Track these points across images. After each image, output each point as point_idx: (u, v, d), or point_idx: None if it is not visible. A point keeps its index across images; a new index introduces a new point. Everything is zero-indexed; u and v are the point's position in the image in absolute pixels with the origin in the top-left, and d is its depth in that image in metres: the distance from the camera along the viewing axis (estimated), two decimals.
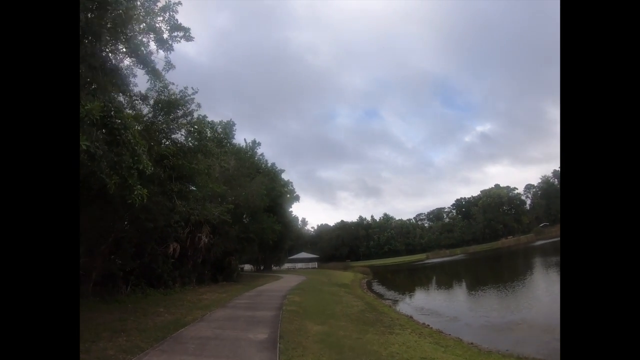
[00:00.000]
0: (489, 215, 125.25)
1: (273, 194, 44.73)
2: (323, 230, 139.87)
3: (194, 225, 29.85)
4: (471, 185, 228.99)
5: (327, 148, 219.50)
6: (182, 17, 14.95)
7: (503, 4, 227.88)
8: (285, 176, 53.84)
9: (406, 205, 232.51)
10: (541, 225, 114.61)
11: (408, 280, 57.93)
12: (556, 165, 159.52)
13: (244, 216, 36.30)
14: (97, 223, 19.20)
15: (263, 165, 47.43)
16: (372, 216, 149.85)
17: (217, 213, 21.05)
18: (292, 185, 54.08)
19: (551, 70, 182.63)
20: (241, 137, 64.24)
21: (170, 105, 16.42)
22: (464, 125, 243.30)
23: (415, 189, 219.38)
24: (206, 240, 30.76)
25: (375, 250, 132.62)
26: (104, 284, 21.29)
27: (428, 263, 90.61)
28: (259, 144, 45.83)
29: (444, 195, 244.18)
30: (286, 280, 42.01)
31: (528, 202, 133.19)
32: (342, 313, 19.13)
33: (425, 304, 29.73)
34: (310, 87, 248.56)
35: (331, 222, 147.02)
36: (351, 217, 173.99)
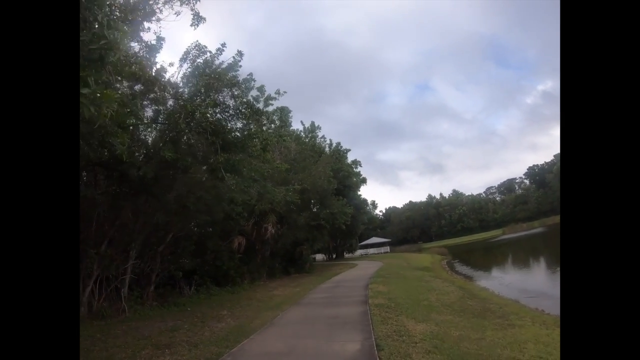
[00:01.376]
0: None
1: (340, 175, 41.33)
2: (392, 213, 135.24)
3: (259, 215, 26.97)
4: (539, 151, 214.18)
5: (383, 129, 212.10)
6: (215, 23, 13.52)
7: None
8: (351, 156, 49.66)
9: (473, 179, 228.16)
10: None
11: (491, 258, 52.75)
12: None
13: (312, 202, 33.00)
14: (151, 222, 17.33)
15: (326, 146, 43.91)
16: (440, 194, 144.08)
17: (283, 196, 17.78)
18: (360, 165, 49.86)
19: None
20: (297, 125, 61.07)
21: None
22: (523, 86, 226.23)
23: (480, 161, 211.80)
24: (273, 230, 27.79)
25: (447, 230, 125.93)
26: (165, 287, 19.53)
27: (505, 239, 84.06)
28: (319, 127, 42.46)
29: (512, 164, 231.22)
30: (362, 267, 38.68)
31: None
32: (439, 303, 15.53)
33: (523, 284, 25.52)
34: (355, 70, 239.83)
35: (399, 204, 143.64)
36: (418, 197, 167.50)
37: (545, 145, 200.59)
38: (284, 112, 34.78)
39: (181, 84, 13.97)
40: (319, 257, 66.09)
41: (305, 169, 30.23)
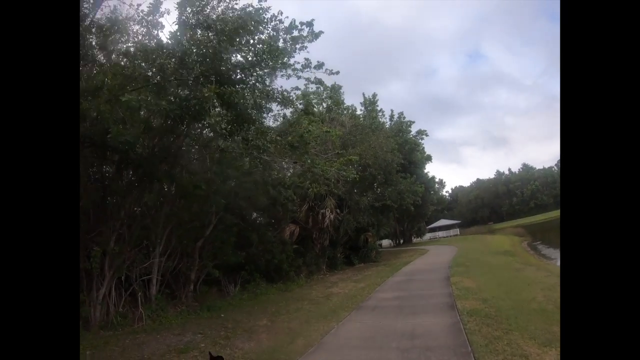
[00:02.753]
0: None
1: (406, 148, 36.53)
2: (459, 192, 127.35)
3: (315, 199, 23.04)
4: None
5: (438, 104, 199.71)
6: None
7: None
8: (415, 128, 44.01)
9: (542, 151, 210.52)
10: None
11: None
12: None
13: (375, 181, 28.59)
14: (183, 216, 14.99)
15: (386, 120, 39.11)
16: (509, 169, 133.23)
17: (336, 171, 13.71)
18: (427, 134, 43.90)
19: None
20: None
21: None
22: None
23: (546, 130, 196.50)
24: (332, 216, 23.78)
25: (519, 208, 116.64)
26: (209, 286, 16.81)
27: None
28: (377, 99, 36.75)
29: None
30: (435, 253, 34.21)
31: None
32: (554, 304, 10.59)
33: None
34: (399, 46, 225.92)
35: (465, 183, 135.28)
36: (484, 174, 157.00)
37: None
38: (334, 91, 30.37)
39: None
40: (386, 243, 62.06)
41: (363, 140, 25.79)
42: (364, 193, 27.06)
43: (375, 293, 15.77)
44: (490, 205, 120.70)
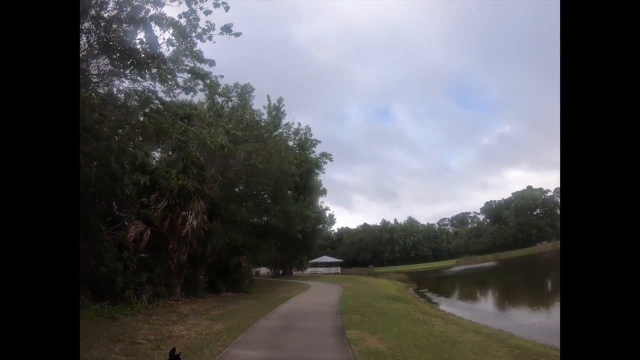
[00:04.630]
0: (521, 219, 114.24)
1: (305, 167, 30.81)
2: (344, 233, 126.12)
3: (179, 196, 16.66)
4: (489, 190, 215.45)
5: (339, 148, 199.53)
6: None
7: None
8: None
9: (423, 210, 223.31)
10: None
11: (463, 287, 48.65)
12: None
13: (262, 191, 22.59)
14: None
15: (291, 133, 32.68)
16: (395, 220, 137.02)
17: (211, 138, 8.33)
18: (330, 159, 38.41)
19: None
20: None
21: None
22: (481, 127, 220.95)
23: (432, 193, 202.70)
24: (195, 222, 17.30)
25: (400, 256, 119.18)
26: None
27: (463, 269, 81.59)
28: (283, 105, 31.14)
29: (462, 200, 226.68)
30: (318, 291, 28.91)
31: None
32: None
33: (543, 323, 19.72)
34: (318, 83, 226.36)
35: (351, 226, 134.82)
36: (368, 220, 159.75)
37: (496, 185, 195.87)
38: (245, 90, 24.90)
39: None
40: (264, 271, 56.17)
41: (258, 139, 20.00)
42: (244, 203, 20.91)
43: (233, 347, 9.89)
44: (373, 249, 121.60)
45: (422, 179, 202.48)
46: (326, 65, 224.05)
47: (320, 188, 41.43)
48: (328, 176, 78.29)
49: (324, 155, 36.65)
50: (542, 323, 19.75)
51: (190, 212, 17.21)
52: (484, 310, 27.18)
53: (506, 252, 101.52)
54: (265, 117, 28.48)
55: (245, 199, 21.23)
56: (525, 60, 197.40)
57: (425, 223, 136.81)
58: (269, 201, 23.28)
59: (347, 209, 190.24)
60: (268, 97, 29.90)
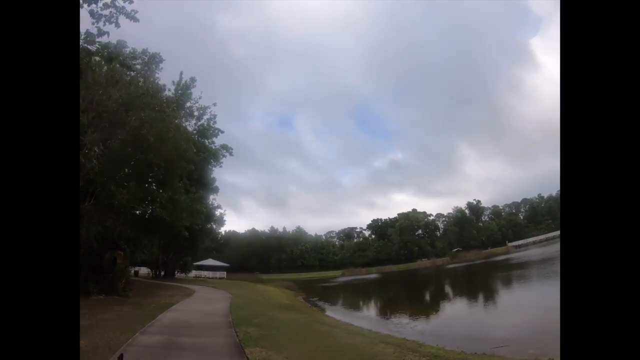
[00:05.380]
0: (405, 237, 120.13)
1: (201, 157, 27.11)
2: (232, 236, 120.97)
3: None
4: (375, 209, 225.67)
5: (236, 149, 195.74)
6: None
7: (436, 39, 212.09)
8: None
9: (312, 222, 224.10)
10: (454, 250, 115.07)
11: (356, 297, 47.73)
12: (458, 200, 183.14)
13: (150, 172, 18.75)
14: None
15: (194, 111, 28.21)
16: (284, 227, 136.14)
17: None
18: (230, 153, 34.70)
19: (468, 113, 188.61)
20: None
21: None
22: (375, 151, 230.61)
23: (321, 206, 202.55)
24: None
25: (287, 264, 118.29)
26: None
27: (349, 280, 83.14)
28: (194, 86, 26.81)
29: (349, 216, 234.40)
30: (205, 297, 25.67)
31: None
32: None
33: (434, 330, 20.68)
34: (227, 77, 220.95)
35: (236, 229, 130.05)
36: (256, 226, 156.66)
37: (382, 206, 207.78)
38: (152, 60, 20.35)
39: None
40: (144, 271, 50.34)
41: (152, 105, 16.43)
42: (126, 183, 17.14)
43: None
44: (260, 255, 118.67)
45: (314, 191, 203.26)
46: (239, 62, 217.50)
47: (214, 185, 37.91)
48: (219, 175, 74.62)
49: (225, 147, 33.13)
50: (432, 330, 20.40)
51: None
52: (376, 319, 27.06)
53: (389, 266, 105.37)
54: (171, 92, 24.37)
55: (128, 179, 17.43)
56: (425, 99, 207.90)
57: (313, 234, 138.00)
58: (155, 186, 19.53)
59: (236, 212, 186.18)
60: (181, 73, 25.80)
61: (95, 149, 14.50)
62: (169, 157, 17.52)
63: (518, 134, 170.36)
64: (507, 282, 40.01)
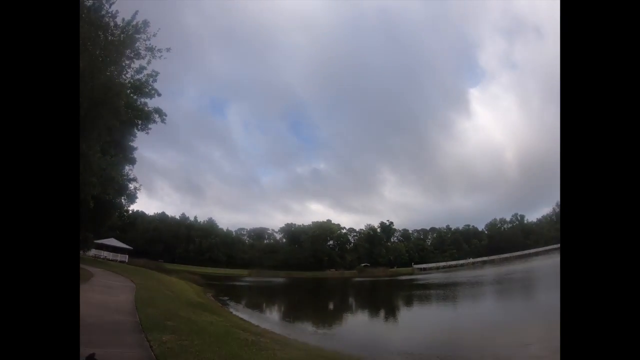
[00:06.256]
0: (316, 245, 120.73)
1: (129, 115, 22.33)
2: (139, 217, 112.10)
3: None
4: (289, 214, 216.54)
5: (159, 124, 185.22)
6: None
7: (382, 61, 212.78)
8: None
9: (223, 215, 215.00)
10: (363, 264, 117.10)
11: (268, 300, 47.40)
12: (371, 218, 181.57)
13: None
14: None
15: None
16: (195, 217, 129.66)
17: None
18: (163, 119, 29.40)
19: (396, 140, 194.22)
20: None
21: None
22: (300, 157, 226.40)
23: (236, 201, 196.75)
24: None
25: (194, 255, 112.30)
26: None
27: (258, 281, 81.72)
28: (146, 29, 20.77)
29: (261, 216, 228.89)
30: (104, 283, 21.95)
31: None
32: None
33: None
34: (169, 44, 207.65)
35: (147, 211, 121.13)
36: (166, 210, 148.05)
37: (297, 212, 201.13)
38: None
39: None
40: None
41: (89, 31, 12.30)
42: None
43: None
44: (166, 243, 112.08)
45: (231, 184, 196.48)
46: (186, 30, 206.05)
47: (132, 155, 32.92)
48: (135, 150, 67.76)
49: (158, 112, 28.37)
50: (360, 339, 21.40)
51: None
52: (297, 327, 25.88)
53: (298, 272, 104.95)
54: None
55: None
56: (357, 116, 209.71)
57: (224, 228, 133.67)
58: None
59: (147, 192, 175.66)
60: (135, 13, 20.44)
61: None
62: (95, 96, 13.25)
63: (437, 169, 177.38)
64: (410, 300, 42.11)
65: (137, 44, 15.42)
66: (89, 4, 14.65)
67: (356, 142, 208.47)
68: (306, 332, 22.66)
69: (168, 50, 16.53)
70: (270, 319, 28.00)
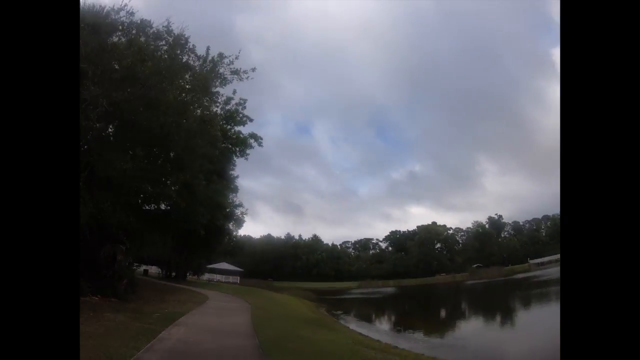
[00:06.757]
0: (424, 250, 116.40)
1: (225, 146, 22.92)
2: (246, 241, 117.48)
3: None
4: (391, 221, 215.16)
5: (252, 154, 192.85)
6: None
7: (455, 52, 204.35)
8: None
9: (326, 230, 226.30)
10: (475, 265, 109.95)
11: (383, 312, 45.18)
12: (476, 215, 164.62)
13: (168, 146, 14.55)
14: None
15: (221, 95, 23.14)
16: (300, 235, 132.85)
17: None
18: (260, 143, 30.23)
19: (488, 125, 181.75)
20: None
21: None
22: (393, 162, 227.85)
23: (336, 216, 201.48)
24: None
25: (302, 272, 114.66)
26: None
27: (369, 292, 78.70)
28: (222, 57, 21.68)
29: (363, 227, 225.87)
30: (219, 305, 22.16)
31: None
32: None
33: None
34: (245, 82, 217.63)
35: (253, 234, 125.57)
36: (271, 232, 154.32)
37: (398, 218, 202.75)
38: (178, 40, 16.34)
39: None
40: (154, 270, 47.32)
41: (162, 60, 12.69)
42: (131, 151, 13.19)
43: None
44: (274, 262, 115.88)
45: (329, 200, 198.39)
46: (257, 66, 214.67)
47: (233, 185, 33.89)
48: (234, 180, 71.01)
49: (253, 137, 28.74)
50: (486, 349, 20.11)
51: None
52: (417, 338, 23.90)
53: (407, 280, 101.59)
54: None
55: (134, 145, 13.45)
56: (444, 111, 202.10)
57: (329, 243, 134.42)
58: (170, 166, 15.50)
59: (251, 217, 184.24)
60: (208, 49, 21.43)
61: (98, 104, 10.85)
62: (190, 128, 13.62)
63: (539, 148, 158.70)
64: (529, 302, 38.50)
65: (222, 69, 15.85)
66: (169, 41, 15.34)
67: (446, 136, 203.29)
68: (432, 344, 21.40)
69: (253, 70, 16.70)
70: (389, 332, 26.67)
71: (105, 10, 12.80)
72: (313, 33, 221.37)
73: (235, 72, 15.97)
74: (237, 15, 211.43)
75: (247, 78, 16.41)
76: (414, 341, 22.29)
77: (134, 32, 13.70)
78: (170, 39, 15.44)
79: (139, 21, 14.02)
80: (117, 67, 12.50)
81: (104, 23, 13.06)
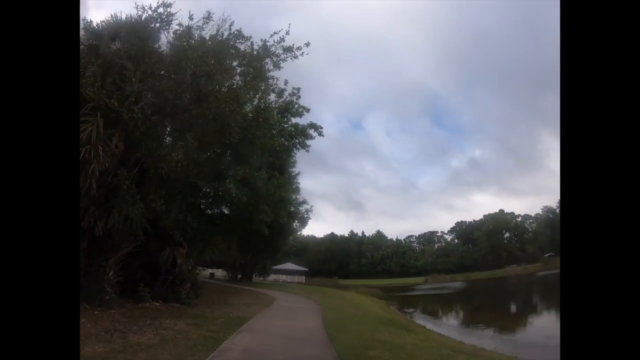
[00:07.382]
0: (492, 241, 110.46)
1: (284, 140, 21.61)
2: (310, 241, 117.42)
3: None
4: (453, 212, 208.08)
5: (310, 155, 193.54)
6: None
7: (505, 24, 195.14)
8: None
9: (388, 225, 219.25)
10: (547, 255, 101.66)
11: (456, 309, 43.09)
12: (544, 199, 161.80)
13: (223, 139, 13.25)
14: None
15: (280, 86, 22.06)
16: (363, 232, 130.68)
17: None
18: (321, 133, 27.79)
19: (549, 98, 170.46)
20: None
21: None
22: (452, 149, 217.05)
23: (398, 209, 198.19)
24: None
25: (367, 269, 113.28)
26: None
27: (441, 288, 75.23)
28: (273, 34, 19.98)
29: (426, 219, 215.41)
30: (287, 306, 21.00)
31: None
32: None
33: None
34: (295, 84, 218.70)
35: (314, 234, 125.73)
36: (334, 230, 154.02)
37: (461, 208, 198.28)
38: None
39: None
40: (220, 273, 47.65)
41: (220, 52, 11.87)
42: (181, 142, 12.21)
43: None
44: (339, 260, 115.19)
45: (389, 194, 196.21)
46: (304, 68, 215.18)
47: (294, 186, 32.63)
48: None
49: (313, 126, 27.19)
50: None
51: (92, 163, 8.59)
52: (506, 338, 22.69)
53: (475, 273, 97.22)
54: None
55: (183, 135, 12.46)
56: (500, 88, 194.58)
57: (393, 238, 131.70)
58: (228, 158, 14.41)
59: (313, 217, 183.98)
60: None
61: (142, 98, 9.86)
62: (245, 116, 12.47)
63: None
64: None
65: (273, 48, 14.55)
66: (212, 33, 14.42)
67: (504, 115, 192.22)
68: (520, 344, 19.91)
69: (307, 45, 15.20)
70: (468, 331, 25.07)
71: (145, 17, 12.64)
72: (352, 27, 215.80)
73: (289, 50, 14.58)
74: (271, 21, 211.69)
75: (301, 54, 15.01)
76: (500, 340, 20.87)
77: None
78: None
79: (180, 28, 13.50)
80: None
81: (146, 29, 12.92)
